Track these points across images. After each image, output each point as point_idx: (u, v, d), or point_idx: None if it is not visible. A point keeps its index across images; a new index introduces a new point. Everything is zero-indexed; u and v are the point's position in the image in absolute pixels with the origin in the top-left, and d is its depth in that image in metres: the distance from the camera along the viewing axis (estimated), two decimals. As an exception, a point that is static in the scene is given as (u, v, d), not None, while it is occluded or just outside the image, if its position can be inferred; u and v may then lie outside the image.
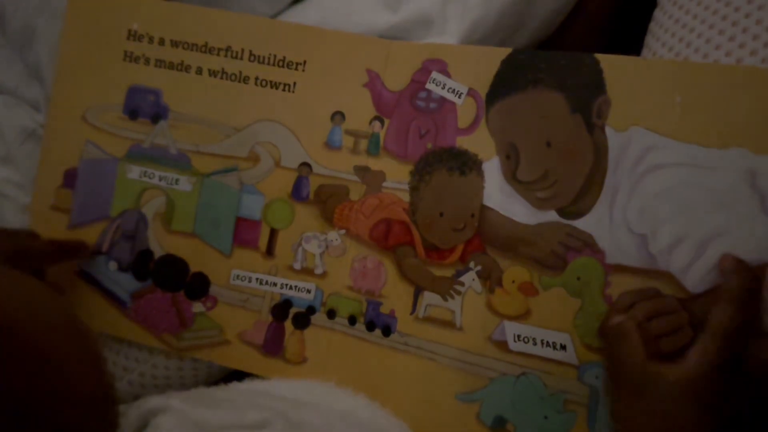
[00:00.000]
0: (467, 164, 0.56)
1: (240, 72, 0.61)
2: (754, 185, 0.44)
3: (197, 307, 0.61)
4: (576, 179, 0.51)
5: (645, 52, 0.55)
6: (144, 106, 0.63)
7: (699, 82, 0.47)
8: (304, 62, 0.60)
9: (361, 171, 0.59)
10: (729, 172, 0.45)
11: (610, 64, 0.51)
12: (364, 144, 0.60)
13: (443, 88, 0.58)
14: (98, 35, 0.63)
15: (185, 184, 0.61)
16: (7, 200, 0.69)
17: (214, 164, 0.61)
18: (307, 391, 0.54)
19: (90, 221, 0.64)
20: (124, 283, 0.63)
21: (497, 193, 0.54)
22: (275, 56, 0.60)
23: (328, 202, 0.59)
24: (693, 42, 0.50)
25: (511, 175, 0.54)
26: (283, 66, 0.60)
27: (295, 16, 0.67)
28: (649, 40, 0.55)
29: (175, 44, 0.62)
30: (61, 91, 0.64)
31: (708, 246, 0.46)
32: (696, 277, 0.46)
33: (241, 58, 0.61)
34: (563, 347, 0.50)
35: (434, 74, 0.58)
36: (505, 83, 0.55)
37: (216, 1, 0.65)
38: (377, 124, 0.60)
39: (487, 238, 0.54)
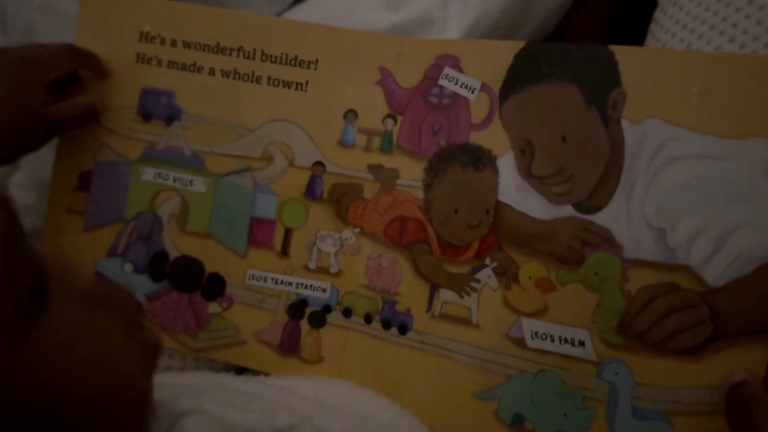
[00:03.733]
0: (481, 160, 0.56)
1: (252, 72, 0.61)
2: None
3: (213, 307, 0.62)
4: (592, 173, 0.51)
5: None
6: (157, 108, 0.64)
7: (715, 73, 0.47)
8: (316, 61, 0.60)
9: (375, 169, 0.59)
10: (747, 163, 0.45)
11: (624, 55, 0.50)
12: (377, 142, 0.60)
13: (456, 83, 0.58)
14: (110, 37, 0.64)
15: (200, 185, 0.62)
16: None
17: (228, 165, 0.62)
18: (329, 392, 0.55)
19: (105, 223, 0.65)
20: (140, 285, 0.63)
21: (512, 189, 0.54)
22: (287, 55, 0.61)
23: (342, 201, 0.60)
24: (693, 43, 0.50)
25: (527, 171, 0.54)
26: (295, 65, 0.61)
27: (296, 16, 0.68)
28: (650, 41, 0.56)
29: (187, 45, 0.63)
30: None
31: (727, 238, 0.45)
32: (716, 270, 0.46)
33: (253, 58, 0.62)
34: (582, 343, 0.50)
35: (447, 70, 0.58)
36: (519, 77, 0.54)
37: (216, 3, 0.65)
38: (390, 121, 0.60)
39: (502, 234, 0.54)
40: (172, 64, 0.63)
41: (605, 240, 0.50)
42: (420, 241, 0.58)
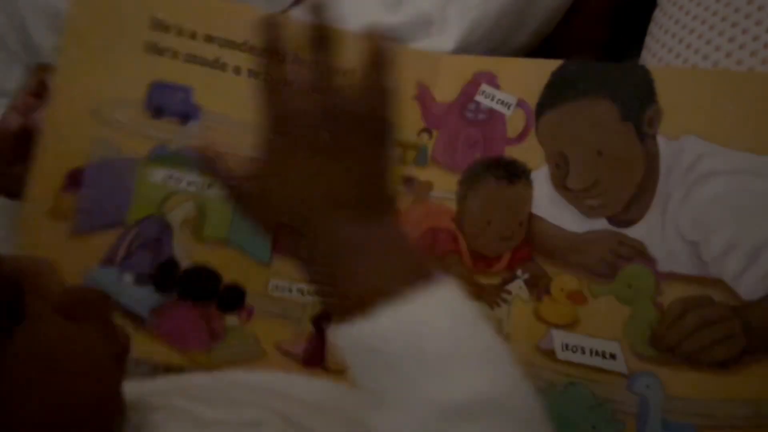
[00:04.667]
0: (516, 173, 0.57)
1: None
2: None
3: (231, 320, 0.59)
4: (627, 187, 0.52)
5: (645, 53, 0.57)
6: (171, 105, 0.58)
7: (750, 91, 0.48)
8: (354, 70, 0.60)
9: (408, 181, 0.60)
10: None
11: (660, 74, 0.52)
12: (411, 155, 0.61)
13: (492, 99, 0.59)
14: (114, 21, 0.58)
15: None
16: (7, 202, 0.67)
17: None
18: (326, 393, 0.54)
19: (99, 228, 0.59)
20: (142, 298, 0.57)
21: (546, 202, 0.55)
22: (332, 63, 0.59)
23: None
24: (693, 43, 0.52)
25: (561, 184, 0.55)
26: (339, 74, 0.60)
27: (296, 17, 0.68)
28: (649, 41, 0.57)
29: (209, 39, 0.58)
30: (66, 83, 0.58)
31: (761, 253, 0.46)
32: (750, 284, 0.47)
33: (285, 61, 0.60)
34: (612, 356, 0.50)
35: (484, 86, 0.60)
36: (556, 94, 0.56)
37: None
38: (425, 135, 0.61)
39: (535, 246, 0.55)
40: (190, 58, 0.58)
41: (639, 253, 0.51)
42: (451, 252, 0.59)
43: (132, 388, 0.43)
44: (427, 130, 0.61)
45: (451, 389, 0.36)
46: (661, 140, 0.52)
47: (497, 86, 0.59)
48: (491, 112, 0.59)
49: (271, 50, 0.44)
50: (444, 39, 0.64)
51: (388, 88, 0.43)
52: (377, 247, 0.40)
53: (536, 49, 0.71)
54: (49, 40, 0.65)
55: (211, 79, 0.58)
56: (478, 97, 0.60)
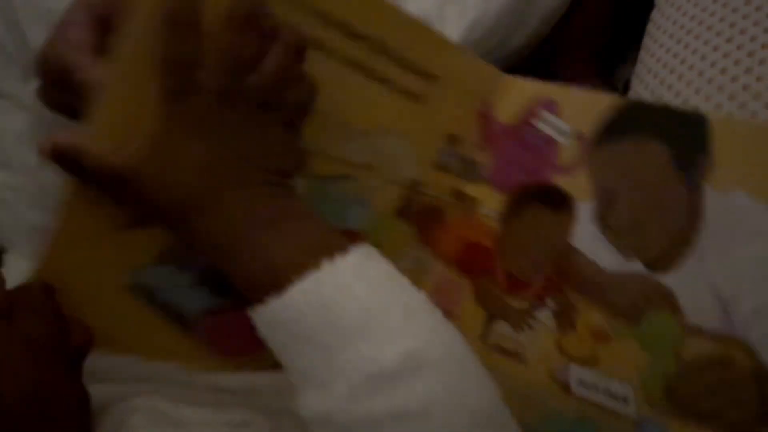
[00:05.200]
0: (561, 202, 0.57)
1: (376, 69, 0.54)
2: None
3: None
4: (666, 233, 0.52)
5: (642, 53, 0.58)
6: None
7: None
8: (438, 77, 0.57)
9: (459, 195, 0.62)
10: None
11: (720, 123, 0.51)
12: (466, 170, 0.62)
13: (551, 127, 0.59)
14: None
15: (296, 184, 0.53)
16: (4, 204, 0.70)
17: (328, 166, 0.55)
18: None
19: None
20: (197, 299, 0.51)
21: (586, 236, 0.55)
22: (415, 63, 0.55)
23: (425, 222, 0.62)
24: (691, 43, 0.51)
25: (604, 221, 0.55)
26: (419, 76, 0.56)
27: None
28: (647, 41, 0.57)
29: (316, 15, 0.50)
30: None
31: None
32: None
33: (383, 55, 0.54)
34: (624, 399, 0.50)
35: (544, 113, 0.60)
36: (613, 130, 0.56)
37: None
38: (482, 153, 0.62)
39: (568, 278, 0.55)
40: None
41: (669, 302, 0.50)
42: (486, 270, 0.60)
43: (114, 388, 0.44)
44: (483, 148, 0.62)
45: (375, 354, 0.35)
46: (708, 191, 0.51)
47: (557, 114, 0.60)
48: (547, 138, 0.59)
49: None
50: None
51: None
52: (286, 223, 0.39)
53: (534, 50, 0.72)
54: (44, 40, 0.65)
55: (310, 59, 0.49)
56: (537, 123, 0.60)
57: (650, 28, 0.59)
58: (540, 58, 0.75)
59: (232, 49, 0.39)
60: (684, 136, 0.53)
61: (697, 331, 0.49)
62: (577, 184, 0.57)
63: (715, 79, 0.53)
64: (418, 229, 0.62)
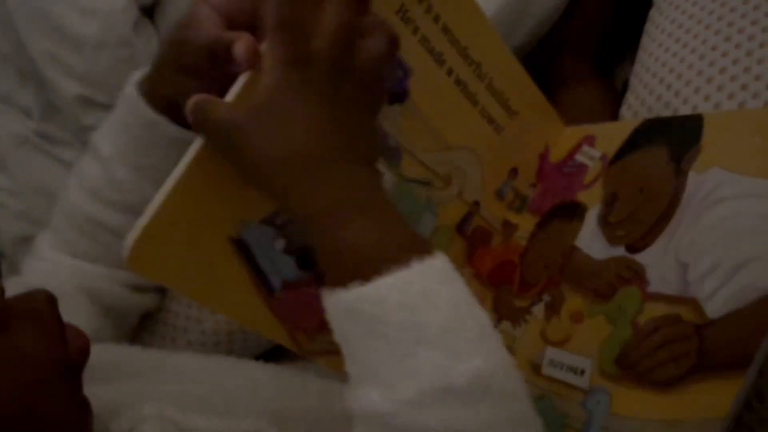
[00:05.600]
0: (574, 212, 0.59)
1: (476, 93, 0.58)
2: None
3: None
4: (651, 218, 0.51)
5: (641, 52, 0.57)
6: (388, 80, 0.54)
7: None
8: (518, 113, 0.62)
9: (506, 224, 0.66)
10: None
11: (711, 118, 0.52)
12: (517, 203, 0.67)
13: (586, 156, 0.63)
14: None
15: (386, 180, 0.55)
16: (0, 207, 0.73)
17: (415, 171, 0.57)
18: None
19: None
20: (283, 267, 0.52)
21: (588, 235, 0.56)
22: (504, 96, 0.60)
23: (474, 242, 0.67)
24: (689, 42, 0.49)
25: (605, 218, 0.56)
26: (505, 108, 0.61)
27: None
28: (645, 40, 0.56)
29: (445, 31, 0.53)
30: None
31: (739, 271, 0.42)
32: (718, 302, 0.42)
33: (482, 81, 0.58)
34: (582, 372, 0.48)
35: (585, 147, 0.64)
36: (629, 145, 0.58)
37: None
38: (532, 188, 0.67)
39: (566, 274, 0.56)
40: (425, 41, 0.53)
41: (638, 276, 0.49)
42: (508, 281, 0.61)
43: (126, 391, 0.45)
44: (534, 185, 0.67)
45: (447, 367, 0.35)
46: (691, 176, 0.50)
47: (593, 146, 0.63)
48: (581, 166, 0.63)
49: None
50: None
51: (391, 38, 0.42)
52: (377, 211, 0.39)
53: (533, 49, 0.71)
54: (41, 44, 0.69)
55: (429, 70, 0.54)
56: (578, 156, 0.64)
57: (649, 27, 0.59)
58: (539, 57, 0.75)
59: (346, 23, 0.40)
60: (682, 134, 0.53)
61: (655, 297, 0.47)
62: (592, 195, 0.59)
63: (714, 78, 0.53)
64: (468, 247, 0.66)
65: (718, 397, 0.39)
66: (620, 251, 0.53)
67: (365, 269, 0.36)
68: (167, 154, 0.53)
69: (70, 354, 0.39)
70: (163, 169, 0.49)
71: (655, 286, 0.48)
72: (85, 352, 0.40)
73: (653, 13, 0.61)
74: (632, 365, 0.45)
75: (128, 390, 0.46)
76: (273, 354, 0.67)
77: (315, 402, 0.52)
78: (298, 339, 0.52)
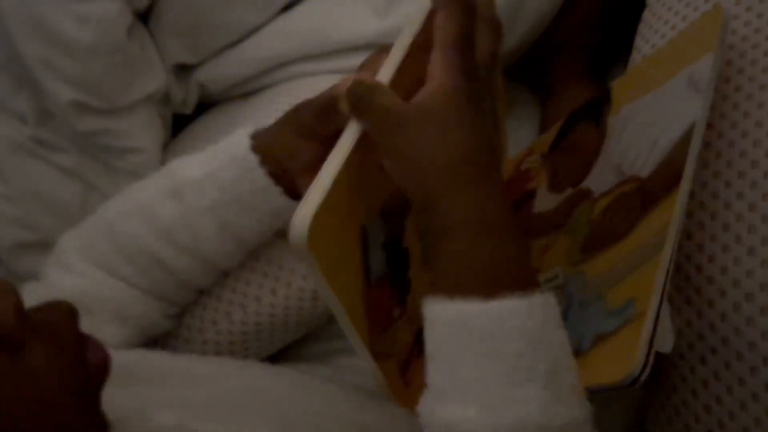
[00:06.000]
0: (529, 198, 0.66)
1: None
2: (692, 79, 0.51)
3: (396, 312, 0.54)
4: (587, 159, 0.60)
5: (635, 54, 0.63)
6: None
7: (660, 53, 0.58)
8: None
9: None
10: (678, 84, 0.52)
11: (617, 82, 0.62)
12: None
13: (528, 163, 0.71)
14: None
15: None
16: None
17: None
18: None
19: None
20: (376, 261, 0.51)
21: (541, 200, 0.64)
22: None
23: None
24: None
25: (551, 182, 0.64)
26: None
27: (285, 24, 0.75)
28: (639, 41, 0.62)
29: None
30: None
31: (659, 141, 0.50)
32: (649, 165, 0.50)
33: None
34: (556, 277, 0.54)
35: (525, 159, 0.72)
36: (558, 137, 0.67)
37: (204, 10, 0.72)
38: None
39: (531, 235, 0.62)
40: None
41: (586, 195, 0.57)
42: None
43: (136, 396, 0.44)
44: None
45: (543, 408, 0.36)
46: (609, 121, 0.59)
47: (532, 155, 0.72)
48: (525, 170, 0.69)
49: None
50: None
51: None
52: (508, 231, 0.40)
53: (527, 52, 0.74)
54: (35, 50, 0.69)
55: None
56: (521, 166, 0.71)
57: (642, 28, 0.60)
58: (533, 59, 0.77)
59: (500, 43, 0.44)
60: (597, 105, 0.63)
61: (603, 195, 0.54)
62: (539, 179, 0.66)
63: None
64: None
65: (666, 213, 0.46)
66: (568, 192, 0.60)
67: (486, 288, 0.37)
68: (262, 220, 0.55)
69: (89, 372, 0.38)
70: (255, 231, 0.55)
71: (599, 191, 0.55)
72: (105, 369, 0.39)
73: (646, 15, 0.63)
74: (593, 243, 0.52)
75: (138, 395, 0.45)
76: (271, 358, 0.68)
77: (320, 405, 0.52)
78: (369, 340, 0.50)
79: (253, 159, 0.53)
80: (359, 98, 0.43)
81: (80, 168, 0.74)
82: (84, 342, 0.38)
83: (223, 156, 0.55)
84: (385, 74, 0.45)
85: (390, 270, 0.51)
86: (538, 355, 0.37)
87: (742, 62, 0.53)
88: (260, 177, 0.53)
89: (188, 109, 0.82)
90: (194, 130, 0.80)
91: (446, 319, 0.38)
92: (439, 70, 0.42)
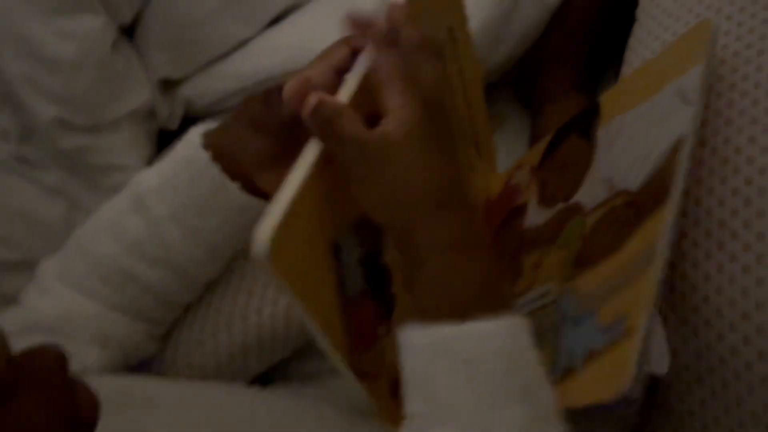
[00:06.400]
0: (519, 212, 0.65)
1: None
2: (680, 92, 0.51)
3: (382, 330, 0.52)
4: (577, 173, 0.60)
5: (625, 68, 0.64)
6: None
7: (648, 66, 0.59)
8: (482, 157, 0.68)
9: None
10: (666, 96, 0.53)
11: (605, 96, 0.63)
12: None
13: (518, 177, 0.71)
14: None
15: None
16: None
17: None
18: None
19: None
20: (353, 278, 0.49)
21: (531, 215, 0.63)
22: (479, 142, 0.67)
23: None
24: None
25: (541, 196, 0.64)
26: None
27: (272, 38, 0.75)
28: (629, 56, 0.63)
29: (460, 72, 0.59)
30: None
31: (648, 157, 0.50)
32: (641, 177, 0.50)
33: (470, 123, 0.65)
34: (548, 293, 0.54)
35: (515, 173, 0.72)
36: (548, 150, 0.67)
37: (190, 24, 0.72)
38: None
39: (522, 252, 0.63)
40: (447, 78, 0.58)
41: (577, 208, 0.56)
42: None
43: (126, 423, 0.44)
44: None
45: (535, 426, 0.37)
46: (599, 132, 0.60)
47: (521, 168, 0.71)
48: (515, 185, 0.69)
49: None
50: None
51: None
52: (481, 255, 0.41)
53: (516, 66, 0.74)
54: (16, 67, 0.68)
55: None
56: (511, 180, 0.71)
57: (632, 42, 0.61)
58: (521, 74, 0.78)
59: (441, 71, 0.46)
60: (586, 117, 0.63)
61: (594, 209, 0.54)
62: (529, 193, 0.65)
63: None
64: None
65: (657, 225, 0.45)
66: (559, 206, 0.60)
67: (461, 312, 0.37)
68: (228, 219, 0.54)
69: (79, 417, 0.38)
70: (221, 233, 0.54)
71: (590, 205, 0.55)
72: (95, 414, 0.38)
73: (636, 29, 0.64)
74: (586, 256, 0.51)
75: (128, 422, 0.45)
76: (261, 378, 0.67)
77: (313, 427, 0.52)
78: (353, 361, 0.49)
79: (204, 156, 0.52)
80: (324, 121, 0.42)
81: (64, 186, 0.73)
82: (73, 387, 0.38)
83: (177, 159, 0.54)
84: (345, 93, 0.45)
85: (370, 286, 0.50)
86: (516, 375, 0.37)
87: (734, 77, 0.54)
88: (214, 174, 0.52)
89: (173, 125, 0.81)
90: (179, 146, 0.80)
91: (423, 344, 0.38)
92: (394, 103, 0.42)
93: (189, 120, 0.82)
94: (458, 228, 0.41)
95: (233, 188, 0.53)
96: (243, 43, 0.76)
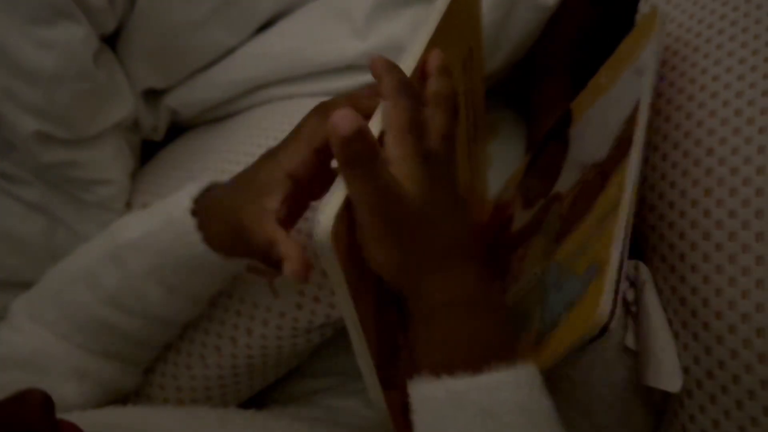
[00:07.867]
0: (509, 223, 0.67)
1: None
2: (636, 70, 0.53)
3: (401, 339, 0.53)
4: (553, 170, 0.61)
5: None
6: None
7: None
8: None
9: None
10: (625, 78, 0.54)
11: (575, 102, 0.65)
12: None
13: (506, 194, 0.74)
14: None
15: None
16: None
17: None
18: None
19: None
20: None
21: (516, 221, 0.65)
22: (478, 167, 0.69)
23: None
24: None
25: (525, 198, 0.65)
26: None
27: (260, 45, 0.75)
28: None
29: (467, 92, 0.60)
30: None
31: (614, 125, 0.52)
32: (605, 149, 0.52)
33: (476, 145, 0.67)
34: (534, 273, 0.54)
35: None
36: (530, 164, 0.69)
37: (175, 33, 0.71)
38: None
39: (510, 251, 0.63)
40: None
41: (557, 198, 0.57)
42: None
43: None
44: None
45: None
46: (571, 132, 0.61)
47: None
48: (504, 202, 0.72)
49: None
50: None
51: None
52: (489, 307, 0.42)
53: (511, 73, 0.75)
54: None
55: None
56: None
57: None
58: (516, 82, 0.78)
59: (452, 126, 0.44)
60: (559, 125, 0.65)
61: (568, 191, 0.55)
62: (515, 203, 0.66)
63: (695, 96, 0.57)
64: None
65: (622, 173, 0.47)
66: (540, 203, 0.61)
67: (473, 363, 0.37)
68: (208, 280, 0.55)
69: None
70: (203, 287, 0.55)
71: (565, 189, 0.56)
72: None
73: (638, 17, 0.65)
74: (565, 230, 0.52)
75: None
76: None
77: None
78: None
79: (190, 223, 0.51)
80: (358, 159, 0.40)
81: (45, 202, 0.71)
82: (60, 429, 0.38)
83: (160, 217, 0.54)
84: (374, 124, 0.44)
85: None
86: (532, 424, 0.37)
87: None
88: (201, 247, 0.51)
89: (158, 136, 0.81)
90: (164, 158, 0.79)
91: (436, 397, 0.38)
92: (396, 156, 0.41)
93: (174, 129, 0.82)
94: (470, 281, 0.42)
95: (215, 257, 0.52)
96: (230, 52, 0.76)
